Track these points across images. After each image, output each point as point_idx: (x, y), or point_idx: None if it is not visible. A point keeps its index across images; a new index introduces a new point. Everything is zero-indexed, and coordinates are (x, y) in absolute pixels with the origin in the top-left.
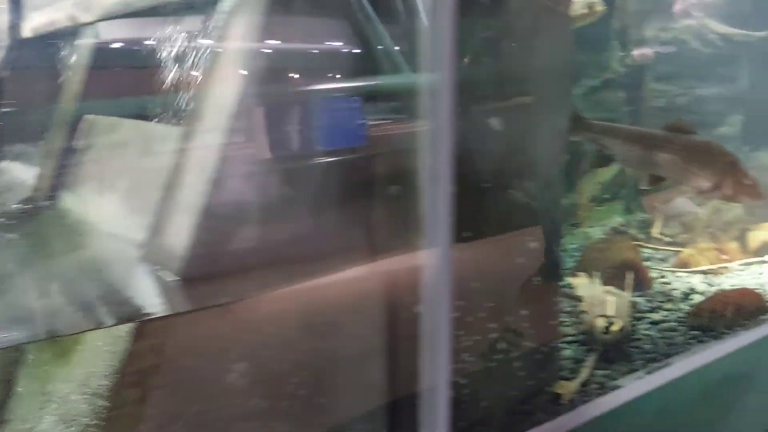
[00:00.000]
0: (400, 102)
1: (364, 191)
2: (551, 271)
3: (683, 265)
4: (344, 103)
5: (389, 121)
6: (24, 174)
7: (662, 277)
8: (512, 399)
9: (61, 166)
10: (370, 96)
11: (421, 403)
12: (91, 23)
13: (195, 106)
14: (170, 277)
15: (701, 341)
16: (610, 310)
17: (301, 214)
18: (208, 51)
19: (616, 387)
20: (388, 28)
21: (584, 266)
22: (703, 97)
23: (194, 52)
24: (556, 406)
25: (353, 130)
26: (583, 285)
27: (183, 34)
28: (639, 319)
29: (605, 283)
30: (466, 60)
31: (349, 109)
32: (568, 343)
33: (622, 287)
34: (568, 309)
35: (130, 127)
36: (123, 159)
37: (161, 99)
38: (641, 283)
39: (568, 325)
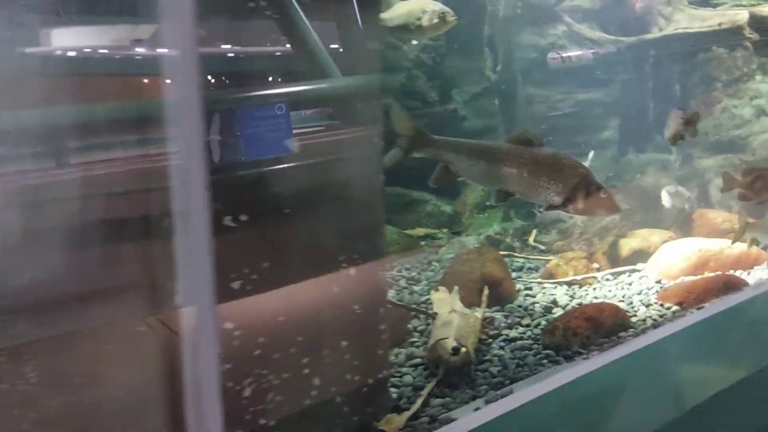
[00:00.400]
0: None
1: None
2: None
3: (549, 275)
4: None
5: None
6: None
7: (528, 289)
8: None
9: None
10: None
11: None
12: None
13: None
14: None
15: (553, 362)
16: (453, 332)
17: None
18: None
19: (450, 420)
20: None
21: (448, 279)
22: (583, 102)
23: None
24: None
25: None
26: (441, 301)
27: None
28: (494, 336)
29: (465, 299)
30: None
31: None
32: (415, 366)
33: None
34: (421, 328)
35: None
36: None
37: None
38: (505, 297)
39: (418, 346)
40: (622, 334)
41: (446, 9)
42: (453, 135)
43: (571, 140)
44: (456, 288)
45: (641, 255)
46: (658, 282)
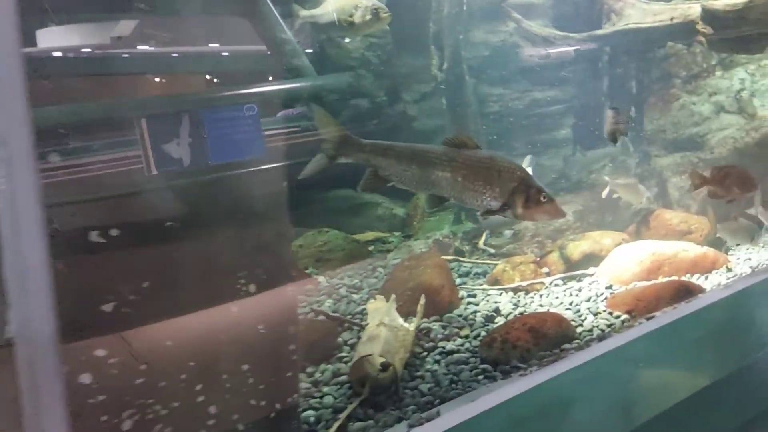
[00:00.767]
0: None
1: None
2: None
3: (495, 281)
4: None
5: None
6: None
7: (472, 296)
8: None
9: None
10: None
11: None
12: None
13: None
14: None
15: (489, 377)
16: (378, 348)
17: None
18: None
19: None
20: None
21: (388, 288)
22: (540, 100)
23: None
24: None
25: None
26: (376, 311)
27: None
28: (430, 349)
29: (402, 308)
30: None
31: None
32: (340, 385)
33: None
34: (353, 341)
35: None
36: None
37: None
38: (445, 305)
39: (347, 361)
40: (566, 346)
41: (380, 5)
42: (404, 136)
43: (528, 139)
44: (393, 297)
45: (593, 258)
46: (609, 288)
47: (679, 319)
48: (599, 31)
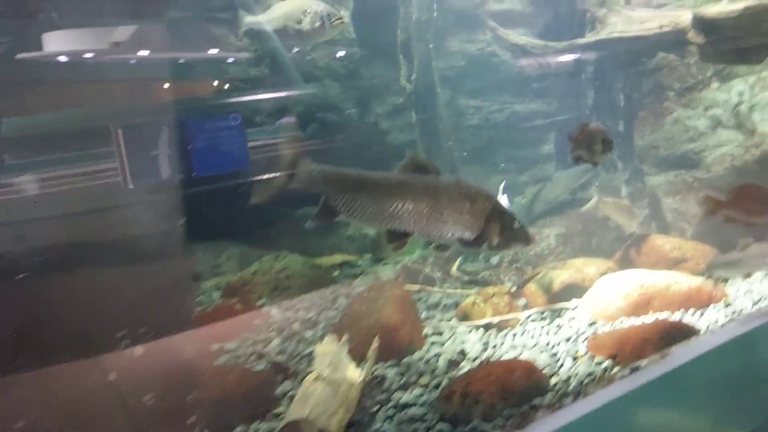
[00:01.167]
0: None
1: None
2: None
3: (464, 316)
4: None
5: None
6: None
7: (438, 334)
8: None
9: None
10: None
11: None
12: None
13: None
14: None
15: None
16: (308, 410)
17: None
18: None
19: None
20: None
21: (344, 324)
22: (521, 113)
23: None
24: None
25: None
26: (324, 355)
27: None
28: (383, 402)
29: (355, 350)
30: None
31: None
32: None
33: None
34: (293, 393)
35: None
36: None
37: None
38: (404, 347)
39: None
40: (537, 401)
41: (331, 10)
42: (377, 152)
43: (509, 155)
44: (345, 338)
45: (575, 290)
46: (593, 324)
47: (669, 373)
48: (580, 40)
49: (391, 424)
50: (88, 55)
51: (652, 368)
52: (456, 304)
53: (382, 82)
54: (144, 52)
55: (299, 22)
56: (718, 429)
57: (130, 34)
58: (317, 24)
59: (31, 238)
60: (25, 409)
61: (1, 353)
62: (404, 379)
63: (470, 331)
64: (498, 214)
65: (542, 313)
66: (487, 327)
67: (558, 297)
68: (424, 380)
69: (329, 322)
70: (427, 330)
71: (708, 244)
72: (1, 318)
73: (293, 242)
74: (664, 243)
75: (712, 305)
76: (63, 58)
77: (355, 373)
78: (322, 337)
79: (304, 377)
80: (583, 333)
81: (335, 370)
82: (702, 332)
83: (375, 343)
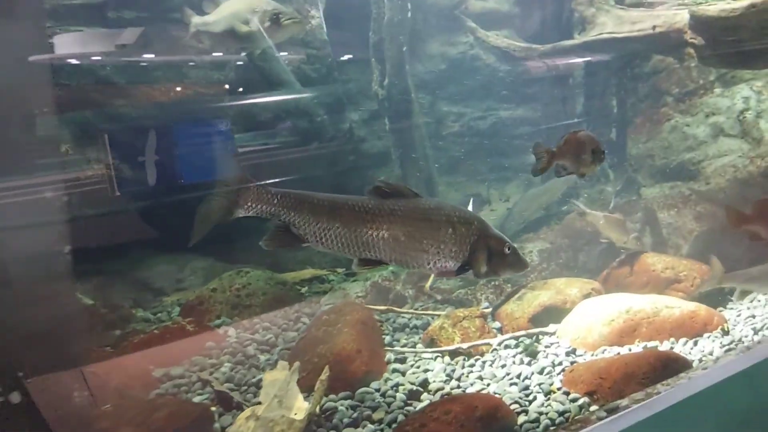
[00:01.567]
0: None
1: None
2: None
3: (431, 341)
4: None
5: None
6: None
7: (400, 361)
8: None
9: None
10: None
11: None
12: None
13: None
14: None
15: None
16: None
17: None
18: None
19: None
20: None
21: (299, 350)
22: (507, 120)
23: None
24: None
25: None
26: (272, 385)
27: None
28: None
29: (306, 380)
30: None
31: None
32: None
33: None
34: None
35: None
36: None
37: None
38: (359, 377)
39: None
40: None
41: (282, 9)
42: (352, 160)
43: (495, 164)
44: (295, 366)
45: (555, 313)
46: (572, 353)
47: (655, 416)
48: (566, 42)
49: None
50: None
51: (635, 410)
52: (426, 326)
53: (357, 86)
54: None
55: (247, 22)
56: None
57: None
58: (267, 24)
59: None
60: None
61: None
62: (356, 413)
63: (435, 359)
64: (485, 239)
65: (517, 338)
66: (455, 354)
67: (536, 321)
68: (377, 415)
69: (287, 345)
70: (390, 356)
71: (705, 262)
72: None
73: (263, 255)
74: (655, 262)
75: (707, 334)
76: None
77: (302, 406)
78: (275, 363)
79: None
80: (559, 364)
81: (280, 403)
82: (695, 366)
83: (324, 374)
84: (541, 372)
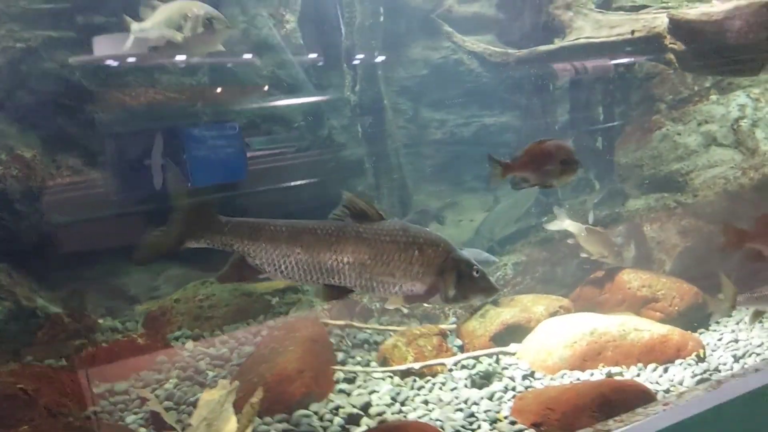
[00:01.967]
0: None
1: None
2: None
3: (384, 360)
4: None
5: None
6: None
7: (350, 381)
8: None
9: None
10: None
11: None
12: None
13: None
14: None
15: None
16: None
17: None
18: None
19: None
20: None
21: (246, 368)
22: (491, 127)
23: None
24: None
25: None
26: (206, 407)
27: None
28: None
29: (243, 401)
30: None
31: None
32: None
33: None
34: None
35: None
36: None
37: None
38: (298, 399)
39: None
40: None
41: (215, 13)
42: (332, 167)
43: (479, 172)
44: (234, 385)
45: (519, 332)
46: (530, 376)
47: None
48: (542, 48)
49: None
50: None
51: None
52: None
53: (336, 92)
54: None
55: (179, 28)
56: None
57: None
58: (200, 30)
59: None
60: None
61: None
62: None
63: (385, 379)
64: (453, 262)
65: (477, 358)
66: (407, 374)
67: (498, 339)
68: None
69: (240, 361)
70: (339, 375)
71: (688, 280)
72: None
73: None
74: (631, 279)
75: (679, 360)
76: None
77: (233, 430)
78: (224, 377)
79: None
80: (513, 388)
81: (209, 426)
82: (659, 398)
83: (256, 396)
84: (491, 397)
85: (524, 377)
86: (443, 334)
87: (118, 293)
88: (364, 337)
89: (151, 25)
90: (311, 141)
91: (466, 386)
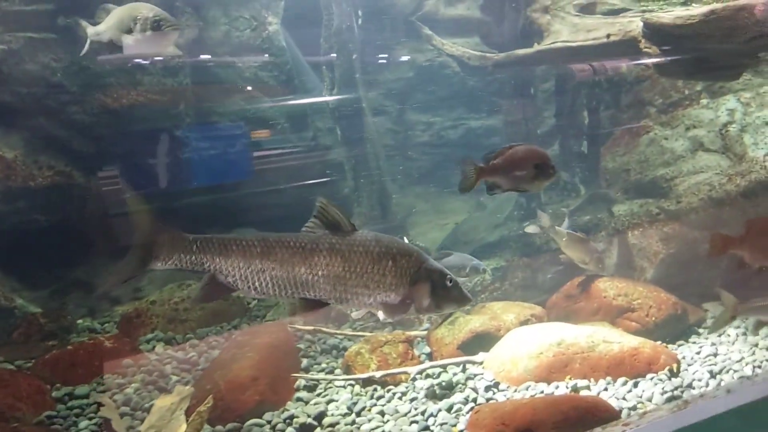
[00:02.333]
0: None
1: None
2: None
3: (347, 368)
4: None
5: None
6: None
7: (310, 389)
8: None
9: None
10: None
11: None
12: None
13: None
14: None
15: None
16: None
17: None
18: None
19: None
20: None
21: (208, 372)
22: (478, 129)
23: None
24: None
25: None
26: (159, 411)
27: None
28: None
29: (196, 408)
30: None
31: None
32: None
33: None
34: None
35: None
36: None
37: None
38: (251, 407)
39: None
40: None
41: (163, 14)
42: (318, 170)
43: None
44: (187, 392)
45: (487, 340)
46: (494, 387)
47: None
48: (520, 51)
49: None
50: None
51: None
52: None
53: (321, 94)
54: None
55: (130, 30)
56: None
57: None
58: (149, 32)
59: None
60: None
61: None
62: None
63: (346, 387)
64: (426, 271)
65: (444, 367)
66: (369, 382)
67: (467, 348)
68: None
69: (206, 365)
70: (300, 382)
71: (669, 288)
72: None
73: None
74: (607, 287)
75: (650, 375)
76: None
77: None
78: (187, 384)
79: None
80: (474, 400)
81: None
82: (623, 417)
83: (204, 405)
84: (449, 409)
85: (487, 388)
86: (410, 341)
87: (102, 293)
88: (335, 342)
89: (105, 29)
90: (295, 144)
91: (426, 397)
